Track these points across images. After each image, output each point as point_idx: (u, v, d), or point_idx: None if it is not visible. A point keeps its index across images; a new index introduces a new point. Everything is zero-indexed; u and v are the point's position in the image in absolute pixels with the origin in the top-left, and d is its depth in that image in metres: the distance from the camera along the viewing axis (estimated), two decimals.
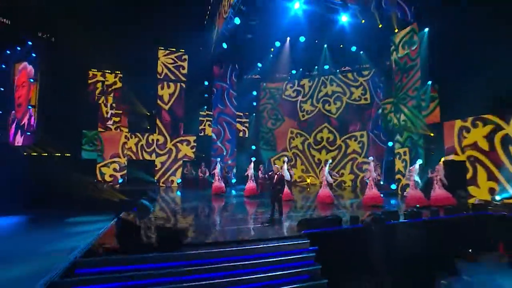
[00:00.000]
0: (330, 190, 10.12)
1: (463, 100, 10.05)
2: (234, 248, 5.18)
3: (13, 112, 14.82)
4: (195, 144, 16.76)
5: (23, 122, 14.19)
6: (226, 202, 11.22)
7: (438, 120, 11.55)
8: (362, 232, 6.36)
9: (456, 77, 10.25)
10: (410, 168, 9.85)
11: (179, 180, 16.21)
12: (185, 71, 16.51)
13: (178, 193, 14.00)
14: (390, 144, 14.32)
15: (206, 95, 17.45)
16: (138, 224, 5.86)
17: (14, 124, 14.55)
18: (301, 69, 17.65)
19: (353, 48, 15.25)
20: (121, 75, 15.90)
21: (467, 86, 9.66)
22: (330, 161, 11.92)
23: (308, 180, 17.45)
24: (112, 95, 15.72)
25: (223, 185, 12.99)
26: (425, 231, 6.93)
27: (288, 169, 9.00)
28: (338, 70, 17.07)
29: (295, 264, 5.16)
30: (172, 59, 16.25)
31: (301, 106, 18.15)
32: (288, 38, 14.64)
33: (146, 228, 6.04)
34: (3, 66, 14.94)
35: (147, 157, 16.36)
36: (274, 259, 5.11)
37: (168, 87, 16.54)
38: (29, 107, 13.91)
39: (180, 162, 16.40)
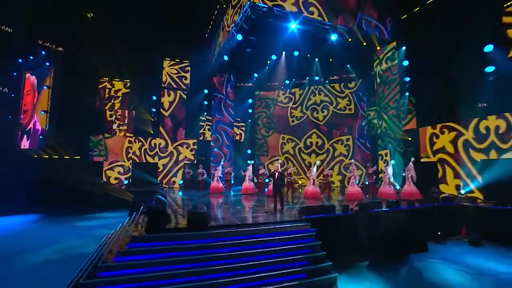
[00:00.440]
0: (317, 188, 11.64)
1: (433, 110, 11.80)
2: (250, 228, 6.46)
3: (22, 117, 15.55)
4: (194, 147, 17.90)
5: (29, 127, 14.96)
6: (230, 199, 12.42)
7: (414, 126, 13.22)
8: (351, 218, 7.77)
9: (428, 90, 12.00)
10: (386, 167, 11.51)
11: (181, 182, 17.26)
12: (187, 81, 17.73)
13: (180, 193, 15.02)
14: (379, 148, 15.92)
15: (205, 102, 18.68)
16: (168, 212, 7.03)
17: (22, 129, 15.27)
18: (294, 80, 19.22)
19: (341, 62, 16.98)
20: (128, 84, 16.91)
21: (436, 98, 11.41)
22: (318, 162, 13.42)
23: (300, 182, 18.82)
24: (119, 102, 16.69)
25: (221, 185, 14.24)
26: (402, 218, 8.41)
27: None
28: (327, 81, 18.73)
29: (300, 241, 6.46)
30: (176, 69, 17.47)
31: (291, 112, 19.67)
32: (284, 52, 16.15)
33: (175, 215, 7.21)
34: (14, 74, 15.68)
35: (150, 160, 17.36)
36: (283, 237, 6.41)
37: (169, 95, 17.71)
38: (42, 112, 14.71)
39: (181, 164, 17.49)
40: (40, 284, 5.74)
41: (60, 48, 15.40)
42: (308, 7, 11.07)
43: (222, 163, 15.62)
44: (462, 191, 10.80)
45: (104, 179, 16.17)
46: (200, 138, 18.38)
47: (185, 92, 17.82)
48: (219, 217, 7.75)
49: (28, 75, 15.27)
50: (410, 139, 13.38)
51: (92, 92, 16.13)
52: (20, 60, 16.02)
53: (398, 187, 12.44)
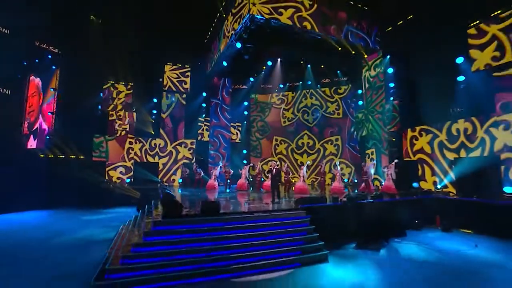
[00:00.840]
0: (305, 184, 12.89)
1: (413, 114, 13.18)
2: (255, 215, 7.54)
3: (27, 117, 16.13)
4: (193, 147, 18.85)
5: (35, 127, 15.60)
6: (229, 194, 13.43)
7: (398, 128, 14.56)
8: (340, 207, 8.94)
9: (409, 96, 13.37)
10: (369, 166, 12.84)
11: (180, 180, 18.16)
12: (186, 86, 18.67)
13: (179, 190, 15.89)
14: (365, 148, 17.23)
15: (204, 105, 19.66)
16: (181, 202, 8.01)
17: (28, 129, 15.87)
18: (287, 84, 20.43)
19: (332, 68, 18.29)
20: (131, 87, 17.72)
21: (416, 103, 12.79)
22: (309, 162, 14.63)
23: (293, 180, 19.99)
24: (121, 104, 17.48)
25: (216, 183, 15.31)
26: (385, 208, 9.65)
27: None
28: (318, 85, 20.00)
29: (296, 226, 7.58)
30: (177, 74, 18.41)
31: (283, 113, 20.86)
32: (279, 59, 17.33)
33: (188, 204, 8.20)
34: (19, 76, 16.25)
35: (150, 159, 18.19)
36: (283, 222, 7.52)
37: (167, 98, 18.62)
38: (49, 113, 15.38)
39: (180, 163, 18.41)
40: (82, 258, 6.66)
41: (65, 52, 16.05)
42: (302, 21, 12.26)
43: (220, 164, 16.64)
44: (438, 186, 12.17)
45: (107, 178, 16.90)
46: (199, 138, 19.34)
47: (183, 97, 18.74)
48: (226, 206, 8.77)
49: (32, 77, 15.87)
50: (394, 139, 14.71)
51: (96, 94, 16.88)
52: (25, 63, 16.61)
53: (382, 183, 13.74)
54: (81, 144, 15.99)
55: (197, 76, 18.93)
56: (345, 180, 13.32)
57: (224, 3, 15.25)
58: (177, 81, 18.47)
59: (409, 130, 13.55)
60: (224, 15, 15.31)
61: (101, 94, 17.45)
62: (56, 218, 11.90)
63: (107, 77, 17.18)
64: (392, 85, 14.91)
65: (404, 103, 14.11)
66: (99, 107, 17.32)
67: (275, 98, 21.10)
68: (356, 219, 8.84)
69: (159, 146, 18.42)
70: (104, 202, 14.77)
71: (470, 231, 9.42)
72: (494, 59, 10.26)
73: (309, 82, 19.77)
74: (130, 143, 17.82)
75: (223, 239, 6.59)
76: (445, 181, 11.81)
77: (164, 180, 18.12)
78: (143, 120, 18.20)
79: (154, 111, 18.65)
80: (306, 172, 13.21)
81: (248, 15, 12.08)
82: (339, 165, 13.49)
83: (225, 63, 16.55)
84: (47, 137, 15.13)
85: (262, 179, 15.87)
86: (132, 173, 17.56)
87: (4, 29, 16.22)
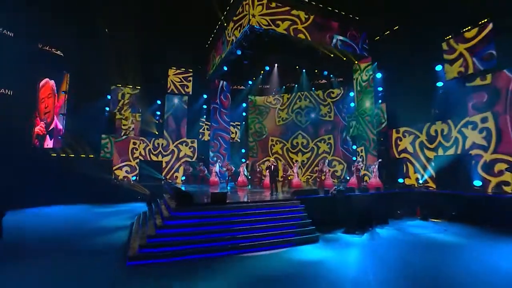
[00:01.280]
0: (300, 180, 14.14)
1: (398, 116, 14.51)
2: (257, 203, 8.74)
3: (43, 118, 17.12)
4: (193, 145, 19.99)
5: (51, 127, 16.60)
6: (230, 189, 14.60)
7: (386, 129, 15.84)
8: (331, 198, 10.20)
9: (394, 100, 14.70)
10: (355, 164, 14.13)
11: (183, 178, 19.27)
12: (188, 90, 19.79)
13: (183, 187, 17.00)
14: (354, 147, 18.57)
15: (205, 106, 20.80)
16: (192, 195, 9.18)
17: (45, 129, 16.87)
18: (283, 87, 21.67)
19: (325, 72, 19.59)
20: (137, 89, 18.79)
21: (401, 106, 14.12)
22: (299, 161, 15.91)
23: (289, 177, 21.23)
24: (128, 106, 18.54)
25: (217, 179, 16.50)
26: (370, 200, 10.93)
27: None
28: (313, 88, 21.26)
29: (292, 213, 8.80)
30: (179, 78, 19.53)
31: (278, 113, 22.10)
32: (276, 65, 18.57)
33: (198, 196, 9.37)
34: (30, 79, 17.25)
35: (154, 158, 19.27)
36: (281, 209, 8.75)
37: (171, 100, 19.75)
38: (60, 115, 16.40)
39: (182, 161, 19.53)
40: (110, 239, 7.82)
41: (73, 57, 17.05)
42: (297, 33, 13.50)
43: (218, 161, 17.81)
44: (420, 181, 13.52)
45: (114, 176, 17.95)
46: (200, 137, 20.46)
47: (183, 99, 19.83)
48: (231, 197, 9.96)
49: (46, 79, 16.86)
50: (382, 139, 16.00)
51: (103, 96, 17.92)
52: (36, 67, 17.59)
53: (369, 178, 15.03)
54: (91, 143, 17.04)
55: (198, 79, 20.06)
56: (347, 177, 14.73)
57: (225, 12, 16.39)
58: (179, 84, 19.57)
59: (394, 131, 14.87)
60: (225, 24, 16.46)
61: (108, 96, 18.50)
62: (73, 211, 12.95)
63: (114, 80, 18.21)
64: (380, 89, 16.23)
65: (390, 106, 15.42)
66: (107, 108, 18.37)
67: (271, 98, 22.30)
68: (345, 209, 10.07)
69: (162, 145, 19.51)
70: (112, 199, 15.81)
71: (445, 220, 10.75)
72: (459, 73, 11.77)
73: (304, 86, 21.02)
74: (134, 143, 18.85)
75: (230, 224, 7.78)
76: (426, 177, 13.16)
77: (168, 177, 19.20)
78: (147, 121, 19.28)
79: (158, 113, 19.75)
80: (300, 169, 14.45)
81: (248, 25, 13.26)
82: (326, 162, 14.74)
83: (225, 68, 17.72)
84: (59, 137, 16.14)
85: (262, 179, 17.05)
86: (137, 171, 18.61)
87: (8, 32, 17.26)
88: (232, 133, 21.68)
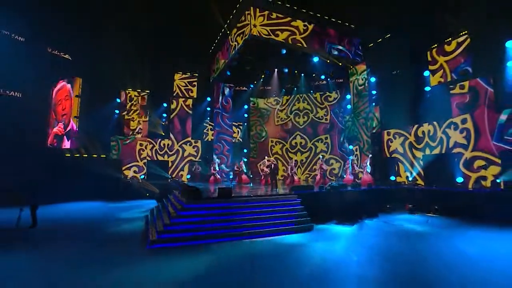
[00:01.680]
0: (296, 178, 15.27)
1: (390, 119, 15.57)
2: (259, 197, 9.83)
3: (56, 121, 18.23)
4: (197, 145, 21.09)
5: (68, 129, 17.72)
6: (234, 185, 15.68)
7: (379, 130, 16.88)
8: (325, 193, 11.27)
9: (387, 103, 15.76)
10: (347, 162, 15.20)
11: (188, 176, 20.38)
12: (193, 94, 20.88)
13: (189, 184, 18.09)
14: (350, 147, 19.62)
15: (208, 109, 21.91)
16: (201, 190, 10.27)
17: (54, 134, 17.98)
18: (283, 90, 22.74)
19: (322, 76, 20.67)
20: (145, 94, 19.90)
21: (391, 110, 15.18)
22: (293, 161, 16.97)
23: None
24: (136, 108, 19.65)
25: (219, 176, 17.56)
26: (362, 195, 11.99)
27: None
28: (312, 91, 22.32)
29: (290, 206, 9.88)
30: (184, 82, 20.66)
31: (277, 113, 23.16)
32: (276, 70, 19.66)
33: (206, 191, 10.46)
34: (45, 83, 18.38)
35: (160, 158, 20.37)
36: (280, 202, 9.83)
37: (174, 103, 20.83)
38: (75, 117, 17.53)
39: (186, 160, 20.62)
40: (131, 228, 8.95)
41: (85, 62, 18.18)
42: (296, 43, 14.57)
43: (217, 160, 18.92)
44: (410, 178, 14.57)
45: (124, 175, 19.05)
46: (204, 138, 21.56)
47: (186, 103, 20.92)
48: (236, 192, 11.05)
49: (63, 83, 17.97)
50: (375, 140, 17.04)
51: (113, 100, 19.04)
52: (51, 72, 18.72)
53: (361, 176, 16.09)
54: (102, 144, 18.16)
55: (202, 83, 21.16)
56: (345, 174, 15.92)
57: (228, 21, 17.45)
58: (184, 88, 20.69)
59: (385, 132, 15.94)
60: (228, 32, 17.54)
61: (118, 100, 19.61)
62: (90, 206, 14.07)
63: (123, 84, 19.32)
64: (374, 92, 17.28)
65: (383, 109, 16.49)
66: (116, 111, 19.48)
67: (272, 99, 23.38)
68: (338, 203, 11.14)
69: (167, 146, 20.61)
70: (122, 196, 16.87)
71: (430, 213, 11.79)
72: (439, 83, 13.02)
73: (303, 89, 22.12)
74: (141, 144, 19.93)
75: (236, 214, 8.87)
76: (414, 174, 14.22)
77: (173, 175, 20.31)
78: (154, 123, 20.39)
79: (164, 115, 20.86)
80: (296, 168, 15.62)
81: (249, 34, 14.33)
82: (323, 160, 15.89)
83: (228, 73, 18.82)
84: (73, 138, 17.26)
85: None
86: (145, 171, 19.71)
87: (19, 37, 18.41)
88: (234, 132, 22.71)
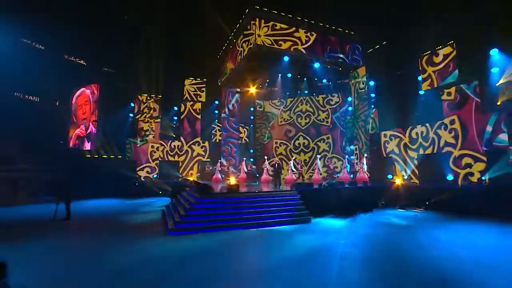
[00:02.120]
0: (294, 176, 16.26)
1: (387, 121, 16.55)
2: (264, 192, 11.03)
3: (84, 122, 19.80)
4: (205, 145, 22.36)
5: (88, 132, 19.26)
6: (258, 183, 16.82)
7: (377, 133, 17.83)
8: (323, 190, 12.38)
9: (384, 106, 16.75)
10: (345, 161, 16.21)
11: (198, 175, 21.68)
12: (202, 99, 22.20)
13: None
14: (351, 147, 20.58)
15: (216, 112, 23.19)
16: (212, 187, 11.53)
17: (76, 135, 19.55)
18: (287, 93, 23.84)
19: (324, 80, 21.72)
20: (157, 98, 21.31)
21: (388, 112, 16.16)
22: (292, 161, 18.00)
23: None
24: (150, 112, 21.06)
25: (219, 176, 18.83)
26: (358, 192, 13.06)
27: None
28: (314, 93, 23.36)
29: (290, 201, 11.04)
30: (194, 88, 21.98)
31: (281, 114, 24.26)
32: (280, 75, 20.81)
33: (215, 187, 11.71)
34: (66, 90, 19.98)
35: (171, 158, 21.73)
36: (282, 197, 11.00)
37: (184, 106, 22.16)
38: (94, 121, 19.04)
39: (195, 159, 21.93)
40: (151, 219, 10.26)
41: (101, 69, 19.69)
42: (298, 53, 15.70)
43: (220, 160, 20.15)
44: (405, 177, 15.54)
45: (139, 175, 20.46)
46: (212, 138, 22.89)
47: (196, 107, 22.20)
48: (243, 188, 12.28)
49: (83, 89, 19.55)
50: (372, 142, 17.99)
51: (128, 104, 20.50)
52: (72, 79, 20.31)
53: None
54: (118, 146, 19.62)
55: (210, 87, 22.45)
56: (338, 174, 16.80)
57: (235, 30, 18.65)
58: (194, 93, 22.04)
59: (383, 134, 16.91)
60: (234, 41, 18.76)
61: (132, 104, 21.05)
62: (110, 203, 15.50)
63: (137, 90, 20.76)
64: (373, 95, 18.26)
65: (380, 112, 17.45)
66: (131, 115, 20.92)
67: (276, 101, 24.47)
68: (335, 199, 12.26)
69: (177, 147, 21.95)
70: (137, 194, 18.25)
71: (421, 209, 12.77)
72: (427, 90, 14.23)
73: (306, 92, 23.21)
74: (152, 146, 21.28)
75: (243, 207, 10.08)
76: (409, 172, 15.20)
77: (184, 174, 21.64)
78: (166, 126, 21.78)
79: (175, 118, 22.23)
80: (294, 167, 16.62)
81: (254, 43, 15.50)
82: (320, 159, 16.91)
83: (235, 77, 20.04)
84: (92, 140, 18.78)
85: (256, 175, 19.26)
86: (157, 171, 21.07)
87: (39, 45, 20.03)
88: (241, 133, 23.83)
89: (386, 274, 5.41)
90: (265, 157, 19.88)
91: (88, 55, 19.71)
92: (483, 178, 11.96)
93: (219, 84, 22.44)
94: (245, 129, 24.34)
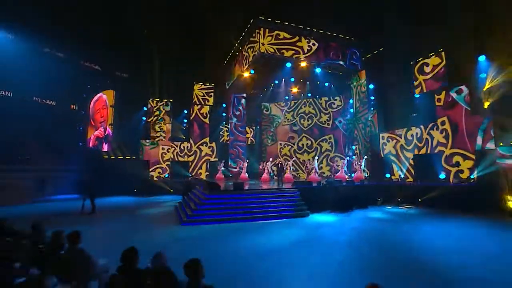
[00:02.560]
0: (291, 175, 17.30)
1: (385, 123, 17.47)
2: (267, 189, 12.19)
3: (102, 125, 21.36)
4: (212, 145, 23.58)
5: (106, 134, 20.79)
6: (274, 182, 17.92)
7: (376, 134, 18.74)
8: (321, 188, 13.44)
9: (382, 109, 17.68)
10: (343, 161, 17.15)
11: (207, 173, 22.95)
12: (210, 103, 23.48)
13: None
14: (353, 147, 21.53)
15: (224, 114, 24.43)
16: (219, 185, 12.72)
17: (95, 137, 21.11)
18: (291, 96, 24.90)
19: (326, 84, 22.70)
20: (168, 102, 22.70)
21: (386, 115, 17.09)
22: (291, 161, 19.02)
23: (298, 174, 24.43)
24: (161, 116, 22.46)
25: (223, 175, 19.93)
26: (354, 190, 14.06)
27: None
28: (317, 96, 24.34)
29: (291, 197, 12.15)
30: (202, 93, 23.30)
31: (285, 114, 25.31)
32: (283, 79, 21.90)
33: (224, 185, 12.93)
34: (84, 96, 21.55)
35: (181, 159, 23.05)
36: (283, 194, 12.13)
37: (193, 110, 23.47)
38: (110, 124, 20.55)
39: (204, 159, 23.21)
40: (166, 211, 11.55)
41: (116, 76, 21.16)
42: (299, 60, 16.79)
43: (223, 161, 21.36)
44: (402, 176, 16.44)
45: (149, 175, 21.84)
46: (220, 139, 24.14)
47: (204, 110, 23.47)
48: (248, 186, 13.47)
49: (100, 94, 21.11)
50: (371, 142, 18.91)
51: (141, 109, 21.94)
52: (88, 86, 21.91)
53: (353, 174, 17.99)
54: (132, 147, 21.08)
55: (218, 92, 23.73)
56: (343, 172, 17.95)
57: (241, 37, 19.81)
58: (202, 98, 23.36)
59: (381, 136, 17.83)
60: (240, 48, 19.95)
61: (145, 108, 22.48)
62: (127, 200, 16.90)
63: (150, 94, 22.19)
64: (372, 98, 19.17)
65: (379, 114, 18.37)
66: (143, 118, 22.36)
67: (282, 103, 25.57)
68: (332, 196, 13.29)
69: (187, 148, 23.26)
70: (149, 192, 19.54)
71: (414, 206, 13.69)
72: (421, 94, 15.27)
73: (309, 94, 24.24)
74: (163, 148, 22.60)
75: (248, 203, 11.26)
76: (405, 171, 16.11)
77: (193, 174, 22.95)
78: (176, 128, 23.15)
79: (185, 120, 23.57)
80: (305, 166, 17.72)
81: (258, 51, 16.64)
82: (317, 160, 17.93)
83: (241, 82, 21.24)
84: (109, 142, 20.29)
85: (272, 174, 20.36)
86: (168, 171, 22.41)
87: (59, 54, 21.64)
88: (247, 133, 24.95)
89: (365, 254, 6.51)
90: (270, 159, 21.05)
91: (103, 61, 21.20)
92: (471, 176, 12.82)
93: (227, 87, 23.68)
94: (251, 129, 25.48)
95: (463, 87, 13.44)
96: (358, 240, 7.82)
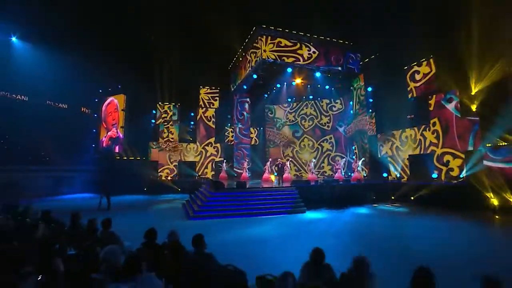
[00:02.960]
0: (290, 175, 18.18)
1: (382, 125, 18.27)
2: (268, 188, 13.17)
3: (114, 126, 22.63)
4: (217, 146, 24.59)
5: (116, 136, 22.04)
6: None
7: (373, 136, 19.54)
8: (319, 186, 14.35)
9: (379, 112, 18.48)
10: (340, 162, 18.00)
11: (213, 172, 24.02)
12: (214, 107, 24.54)
13: None
14: (353, 147, 22.33)
15: (229, 116, 25.49)
16: (224, 183, 13.75)
17: (109, 137, 22.38)
18: (294, 98, 25.80)
19: (327, 87, 23.55)
20: (175, 105, 23.86)
21: (383, 117, 17.90)
22: (289, 162, 19.89)
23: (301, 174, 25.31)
24: (169, 118, 23.64)
25: (227, 174, 20.94)
26: (350, 188, 14.93)
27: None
28: (319, 98, 25.19)
29: (290, 195, 13.10)
30: (208, 96, 24.40)
31: (287, 115, 26.21)
32: (285, 83, 22.84)
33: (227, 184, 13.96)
34: (96, 100, 22.84)
35: (187, 159, 24.16)
36: (282, 192, 13.09)
37: (199, 112, 24.56)
38: (121, 127, 21.79)
39: (209, 159, 24.29)
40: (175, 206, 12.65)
41: (129, 83, 22.37)
42: (299, 67, 17.74)
43: (224, 161, 22.35)
44: (398, 175, 17.22)
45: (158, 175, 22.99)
46: (225, 140, 25.19)
47: (210, 113, 24.54)
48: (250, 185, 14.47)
49: (112, 98, 22.39)
50: (368, 144, 19.72)
51: (150, 112, 23.14)
52: (100, 90, 23.20)
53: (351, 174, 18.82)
54: (141, 149, 22.28)
55: (223, 95, 24.80)
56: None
57: (244, 44, 20.83)
58: (207, 102, 24.46)
59: (378, 137, 18.64)
60: (243, 54, 20.97)
61: (153, 111, 23.67)
62: (138, 198, 18.08)
63: (159, 98, 23.37)
64: (371, 100, 19.97)
65: (376, 117, 19.16)
66: (152, 121, 23.55)
67: (285, 104, 26.47)
68: (328, 194, 14.18)
69: (193, 149, 24.37)
70: (158, 191, 20.66)
71: (407, 204, 14.47)
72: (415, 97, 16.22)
73: (311, 97, 25.12)
74: (170, 150, 23.72)
75: (249, 200, 12.26)
76: (400, 171, 16.90)
77: (199, 174, 24.03)
78: (184, 130, 24.29)
79: (192, 123, 24.70)
80: (290, 167, 18.68)
81: (260, 58, 17.61)
82: (314, 160, 18.81)
83: (245, 87, 22.27)
84: (120, 144, 21.52)
85: (276, 174, 21.30)
86: (176, 171, 23.53)
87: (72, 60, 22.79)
88: (252, 133, 25.87)
89: (347, 242, 7.46)
90: (270, 159, 22.04)
91: (115, 67, 22.38)
92: (461, 176, 13.58)
93: (232, 90, 24.71)
94: (255, 129, 26.41)
95: (453, 97, 14.22)
96: (345, 231, 8.75)
